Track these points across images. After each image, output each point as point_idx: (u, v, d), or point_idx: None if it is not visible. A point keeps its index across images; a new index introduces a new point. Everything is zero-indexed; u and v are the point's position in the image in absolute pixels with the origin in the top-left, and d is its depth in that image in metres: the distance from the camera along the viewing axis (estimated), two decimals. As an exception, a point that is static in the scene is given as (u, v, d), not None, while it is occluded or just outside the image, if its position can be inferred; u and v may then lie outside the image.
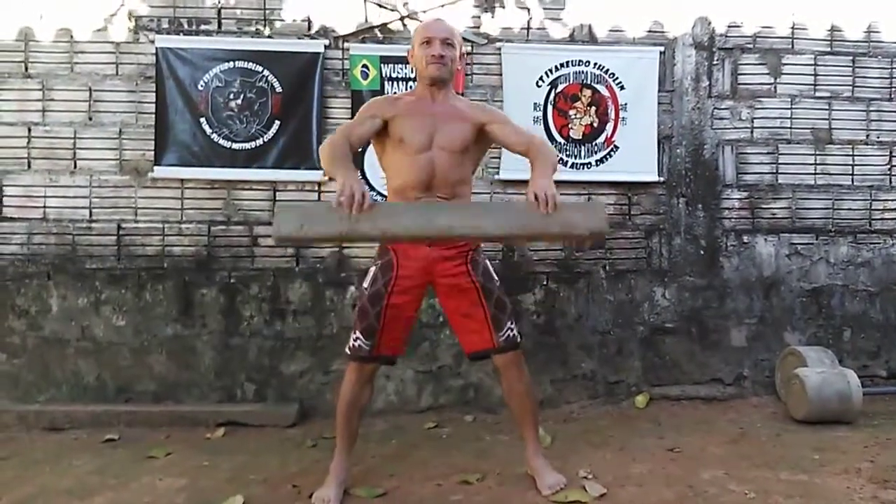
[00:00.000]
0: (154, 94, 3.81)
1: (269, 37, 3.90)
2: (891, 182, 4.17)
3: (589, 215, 2.36)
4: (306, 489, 2.71)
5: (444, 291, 2.70)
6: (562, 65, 3.95)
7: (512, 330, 2.68)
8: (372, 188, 3.86)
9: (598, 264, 4.03)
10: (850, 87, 4.14)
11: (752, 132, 4.10)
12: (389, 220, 2.30)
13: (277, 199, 3.90)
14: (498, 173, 3.95)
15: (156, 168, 3.82)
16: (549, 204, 2.29)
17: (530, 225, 2.32)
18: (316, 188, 3.91)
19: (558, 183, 3.93)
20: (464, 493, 2.71)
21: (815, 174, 4.13)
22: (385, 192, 2.90)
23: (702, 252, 4.08)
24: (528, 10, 3.97)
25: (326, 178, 3.86)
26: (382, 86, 3.86)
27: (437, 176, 2.58)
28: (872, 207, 4.16)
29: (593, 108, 3.97)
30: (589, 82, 3.97)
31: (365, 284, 2.69)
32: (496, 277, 2.73)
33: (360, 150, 2.59)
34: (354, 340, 2.65)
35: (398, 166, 2.62)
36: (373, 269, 2.69)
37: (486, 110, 2.75)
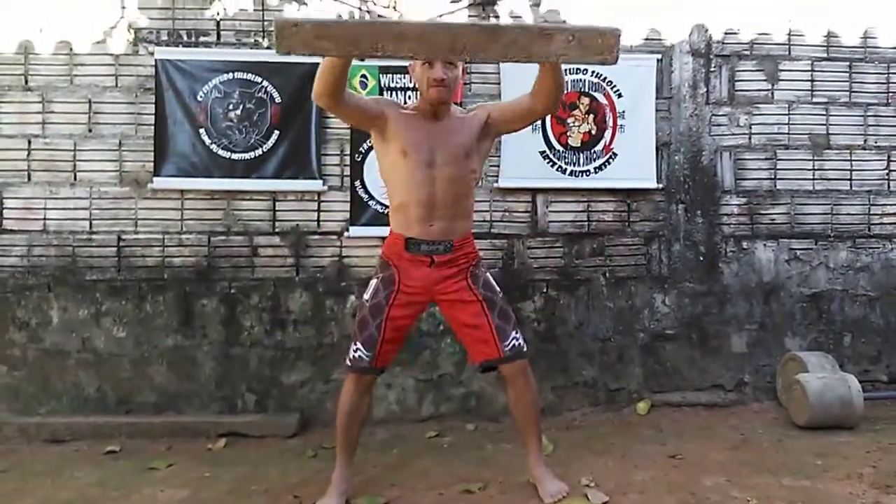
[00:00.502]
0: (153, 105, 3.82)
1: (268, 48, 3.90)
2: (889, 187, 4.18)
3: (601, 30, 2.29)
4: (308, 499, 2.71)
5: (448, 306, 2.71)
6: (560, 73, 3.96)
7: (517, 339, 2.69)
8: (371, 197, 3.87)
9: (597, 271, 4.03)
10: (848, 93, 4.16)
11: (749, 138, 4.12)
12: (394, 30, 2.20)
13: (277, 209, 3.91)
14: (497, 181, 3.95)
15: (155, 179, 3.83)
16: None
17: (545, 24, 2.16)
18: (315, 198, 3.91)
19: (557, 190, 4.00)
20: (466, 502, 2.71)
21: (813, 179, 4.14)
22: (384, 202, 2.91)
23: (701, 258, 4.08)
24: (523, 18, 3.97)
25: (326, 188, 3.88)
26: (381, 95, 3.87)
27: (440, 194, 2.60)
28: (871, 212, 4.17)
29: (591, 116, 3.98)
30: (587, 90, 3.98)
31: (366, 296, 2.69)
32: (498, 288, 2.74)
33: (349, 105, 2.53)
34: (355, 351, 2.65)
35: (400, 182, 2.63)
36: (374, 281, 2.70)
37: (483, 106, 2.77)
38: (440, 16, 3.87)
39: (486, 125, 2.67)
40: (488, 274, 2.76)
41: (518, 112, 2.66)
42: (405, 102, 3.37)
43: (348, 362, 2.68)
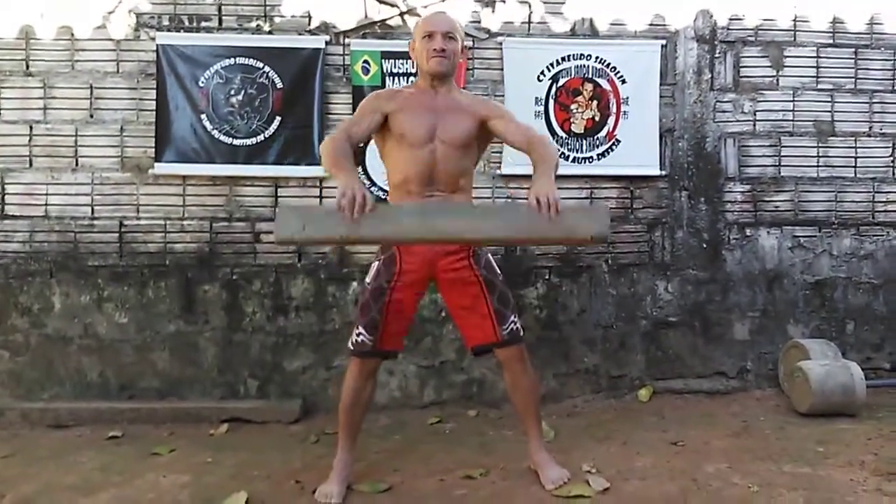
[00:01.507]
0: (155, 91, 3.81)
1: (270, 33, 3.89)
2: (894, 174, 4.16)
3: (592, 219, 2.34)
4: (310, 485, 2.71)
5: (447, 285, 2.69)
6: (563, 59, 3.94)
7: (515, 324, 2.68)
8: (373, 183, 3.86)
9: (600, 258, 4.03)
10: (853, 80, 4.13)
11: (754, 125, 4.09)
12: (390, 224, 2.30)
13: (279, 195, 3.90)
14: (500, 168, 3.94)
15: (157, 165, 3.82)
16: (552, 209, 2.23)
17: (532, 229, 2.29)
18: (317, 184, 3.91)
19: (561, 177, 3.93)
20: (467, 487, 2.71)
21: (817, 167, 4.12)
22: (386, 187, 2.90)
23: (704, 245, 4.07)
24: (529, 4, 3.96)
25: (328, 174, 3.87)
26: (383, 81, 3.85)
27: (439, 169, 2.58)
28: (875, 199, 4.15)
29: (595, 102, 3.96)
30: (590, 76, 3.96)
31: (367, 279, 2.69)
32: (499, 271, 2.72)
33: (361, 146, 2.58)
34: (357, 335, 2.65)
35: (399, 160, 2.61)
36: (376, 263, 2.69)
37: (487, 105, 2.74)
38: (442, 0, 3.86)
39: (484, 125, 2.65)
40: (490, 256, 2.74)
41: (511, 143, 2.67)
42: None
43: (351, 346, 2.68)
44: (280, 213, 2.34)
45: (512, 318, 2.67)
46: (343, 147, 2.45)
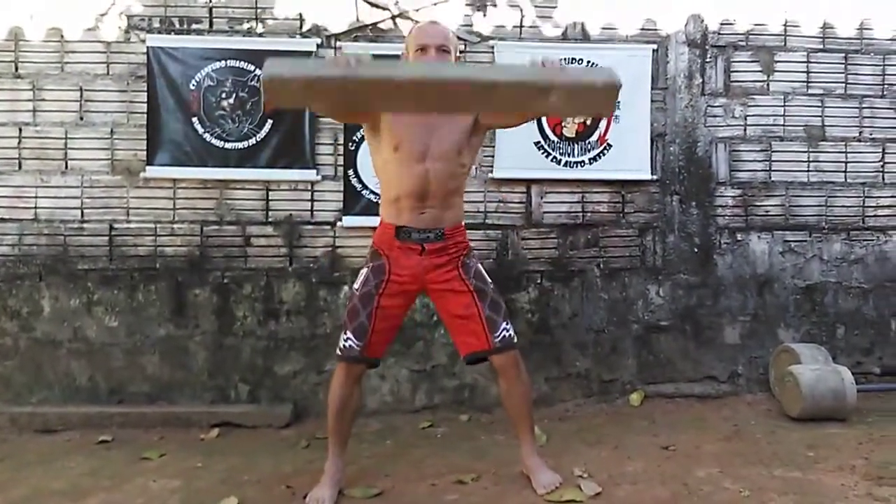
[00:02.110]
0: (145, 93, 3.79)
1: (261, 35, 3.88)
2: (883, 179, 4.18)
3: (599, 72, 2.29)
4: (301, 490, 2.70)
5: (438, 296, 2.70)
6: (555, 63, 3.94)
7: (508, 330, 2.68)
8: (365, 187, 3.85)
9: (592, 263, 4.03)
10: (843, 85, 4.15)
11: (745, 130, 4.11)
12: (390, 68, 2.22)
13: (270, 198, 3.89)
14: (492, 172, 3.94)
15: (148, 168, 3.80)
16: (556, 64, 2.22)
17: (541, 77, 2.19)
18: (309, 188, 3.89)
19: (552, 181, 3.98)
20: (459, 492, 2.70)
21: (808, 171, 4.14)
22: (378, 191, 2.89)
23: (695, 250, 4.08)
24: (521, 8, 3.96)
25: (320, 177, 3.87)
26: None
27: (433, 187, 2.59)
28: (865, 204, 4.17)
29: (587, 107, 3.96)
30: (582, 80, 3.95)
31: (356, 285, 2.69)
32: (489, 279, 2.73)
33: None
34: (345, 341, 2.64)
35: (393, 175, 2.62)
36: (364, 270, 2.69)
37: None
38: (434, 4, 3.86)
39: (476, 121, 2.65)
40: (479, 265, 2.75)
41: (504, 118, 2.69)
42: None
43: (339, 351, 2.67)
44: (270, 61, 2.14)
45: (504, 325, 2.67)
46: None
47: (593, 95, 2.17)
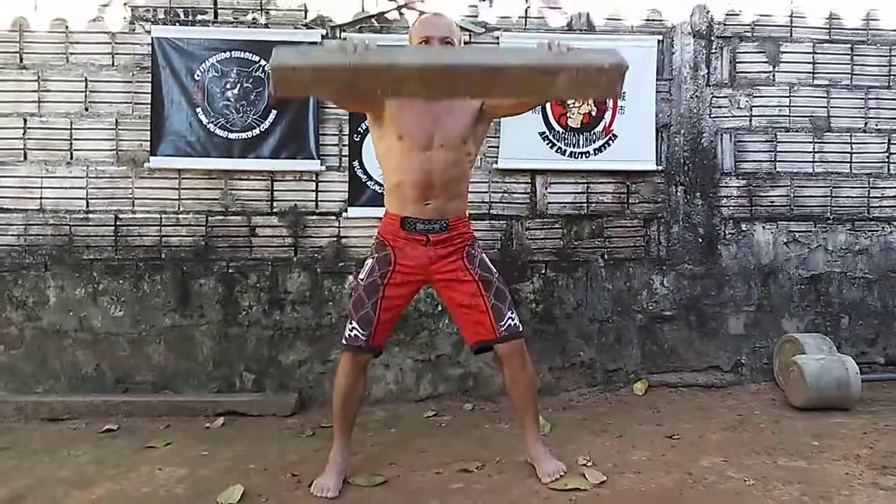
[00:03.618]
0: (150, 84, 3.79)
1: (266, 26, 3.88)
2: (889, 170, 4.17)
3: (604, 53, 2.28)
4: (306, 478, 2.71)
5: (443, 286, 2.71)
6: (560, 53, 3.93)
7: (513, 319, 2.68)
8: (370, 177, 3.85)
9: (596, 253, 4.03)
10: (849, 75, 4.13)
11: (750, 120, 4.10)
12: (398, 54, 2.22)
13: (275, 188, 3.89)
14: (496, 162, 3.93)
15: (152, 158, 3.80)
16: (562, 46, 2.22)
17: (549, 59, 2.21)
18: (313, 178, 3.90)
19: (556, 172, 3.97)
20: (464, 481, 2.71)
21: (813, 162, 4.13)
22: (382, 182, 2.89)
23: (700, 240, 4.07)
24: (526, -2, 3.96)
25: (324, 168, 3.87)
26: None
27: (437, 175, 2.59)
28: (871, 195, 4.16)
29: (591, 97, 3.96)
30: (587, 70, 3.94)
31: (361, 276, 2.70)
32: (494, 269, 2.73)
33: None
34: (350, 330, 2.65)
35: (396, 164, 2.62)
36: (370, 261, 2.70)
37: None
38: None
39: (481, 110, 2.65)
40: (484, 254, 2.75)
41: (506, 105, 2.67)
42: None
43: (344, 341, 2.68)
44: (278, 49, 2.17)
45: (509, 314, 2.67)
46: None
47: (601, 77, 2.17)
